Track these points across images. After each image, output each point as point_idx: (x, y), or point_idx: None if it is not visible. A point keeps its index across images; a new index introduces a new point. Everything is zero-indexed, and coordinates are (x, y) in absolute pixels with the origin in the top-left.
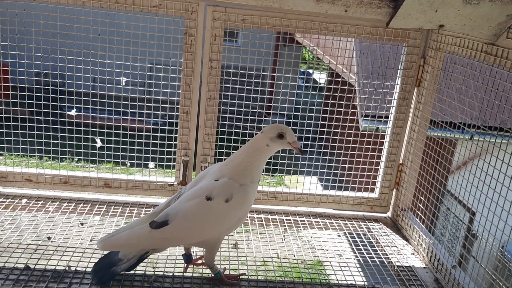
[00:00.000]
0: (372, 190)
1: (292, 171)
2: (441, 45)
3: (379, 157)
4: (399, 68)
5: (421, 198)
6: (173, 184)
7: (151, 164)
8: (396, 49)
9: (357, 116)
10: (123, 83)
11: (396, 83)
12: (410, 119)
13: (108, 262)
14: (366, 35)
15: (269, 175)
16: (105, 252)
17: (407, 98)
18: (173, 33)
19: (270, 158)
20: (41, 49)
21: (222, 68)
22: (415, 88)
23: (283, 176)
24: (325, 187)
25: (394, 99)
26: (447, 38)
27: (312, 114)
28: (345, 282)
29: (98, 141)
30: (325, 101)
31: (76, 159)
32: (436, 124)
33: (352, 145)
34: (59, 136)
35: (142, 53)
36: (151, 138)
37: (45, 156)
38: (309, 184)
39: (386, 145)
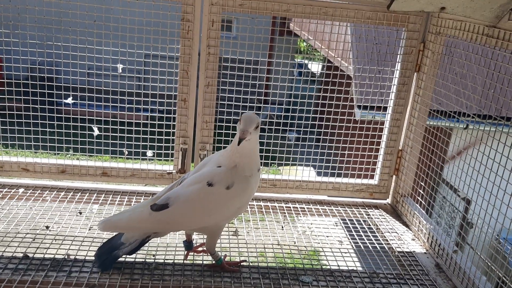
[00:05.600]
0: (372, 177)
1: (290, 162)
2: (441, 29)
3: (378, 143)
4: (399, 53)
5: (421, 184)
6: (172, 172)
7: (149, 153)
8: (392, 34)
9: (351, 102)
10: (120, 70)
11: (396, 69)
12: (410, 105)
13: (111, 246)
14: (365, 19)
15: (267, 165)
16: (105, 240)
17: (406, 83)
18: (170, 19)
19: (263, 150)
20: (36, 36)
21: (220, 55)
22: (415, 73)
23: (279, 169)
24: (324, 175)
25: (394, 84)
26: (447, 22)
27: (304, 101)
28: (346, 268)
29: (95, 129)
30: (318, 87)
31: (72, 152)
32: (438, 113)
33: (351, 132)
34: (55, 127)
35: (139, 39)
36: (149, 126)
37: (41, 151)
38: (308, 172)
39: (385, 131)
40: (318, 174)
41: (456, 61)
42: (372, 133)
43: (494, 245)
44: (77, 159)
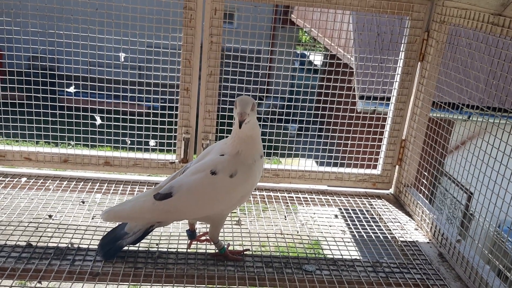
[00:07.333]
0: (375, 167)
1: (292, 153)
2: (445, 17)
3: (381, 133)
4: (402, 42)
5: (425, 173)
6: (174, 162)
7: (152, 142)
8: (395, 23)
9: (354, 91)
10: (122, 59)
11: (399, 58)
12: (414, 94)
13: (114, 236)
14: (369, 8)
15: (269, 155)
16: (108, 230)
17: (410, 73)
18: (172, 7)
19: (265, 140)
20: (37, 25)
21: (222, 44)
22: (419, 63)
23: (281, 160)
24: (327, 165)
25: (397, 74)
26: (451, 10)
27: (307, 90)
28: (349, 257)
29: (98, 118)
30: (321, 79)
31: (75, 141)
32: (442, 103)
33: (354, 122)
34: (57, 117)
35: (141, 28)
36: (151, 115)
37: (44, 140)
38: (311, 162)
39: (389, 121)
40: (321, 164)
41: (460, 50)
42: (375, 123)
43: (497, 235)
44: (78, 143)
